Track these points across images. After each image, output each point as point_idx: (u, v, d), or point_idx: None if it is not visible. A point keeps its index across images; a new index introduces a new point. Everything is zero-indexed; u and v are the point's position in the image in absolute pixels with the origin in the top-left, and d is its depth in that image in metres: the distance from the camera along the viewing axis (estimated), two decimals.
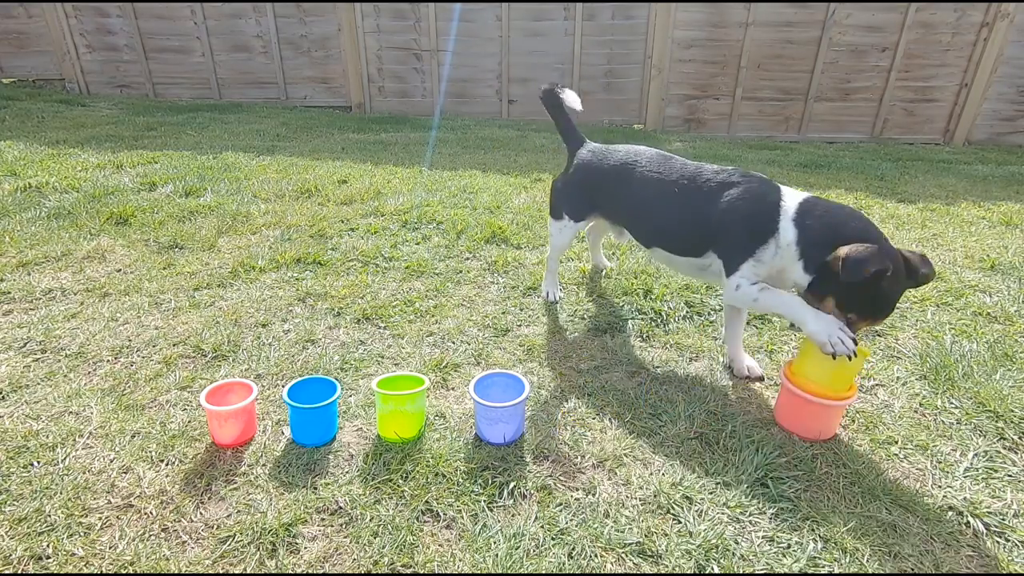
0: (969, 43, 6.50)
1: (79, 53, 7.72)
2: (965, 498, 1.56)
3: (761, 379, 2.08)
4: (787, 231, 1.78)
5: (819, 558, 1.38)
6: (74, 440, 1.69)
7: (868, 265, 1.56)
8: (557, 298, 2.61)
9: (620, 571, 1.35)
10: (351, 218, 3.47)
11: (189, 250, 2.99)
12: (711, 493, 1.56)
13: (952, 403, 1.94)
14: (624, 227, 2.36)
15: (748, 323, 2.42)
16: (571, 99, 2.45)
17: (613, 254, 3.10)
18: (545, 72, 7.10)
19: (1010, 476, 1.65)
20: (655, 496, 1.55)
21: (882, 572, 1.36)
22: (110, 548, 1.37)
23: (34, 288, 2.54)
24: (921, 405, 1.94)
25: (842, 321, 1.68)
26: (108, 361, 2.08)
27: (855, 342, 1.64)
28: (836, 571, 1.36)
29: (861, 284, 1.59)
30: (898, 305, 2.55)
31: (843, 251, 1.62)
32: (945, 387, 2.01)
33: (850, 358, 1.62)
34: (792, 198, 1.84)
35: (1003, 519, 1.50)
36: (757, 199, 1.86)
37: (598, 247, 2.90)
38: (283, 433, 1.75)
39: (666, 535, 1.43)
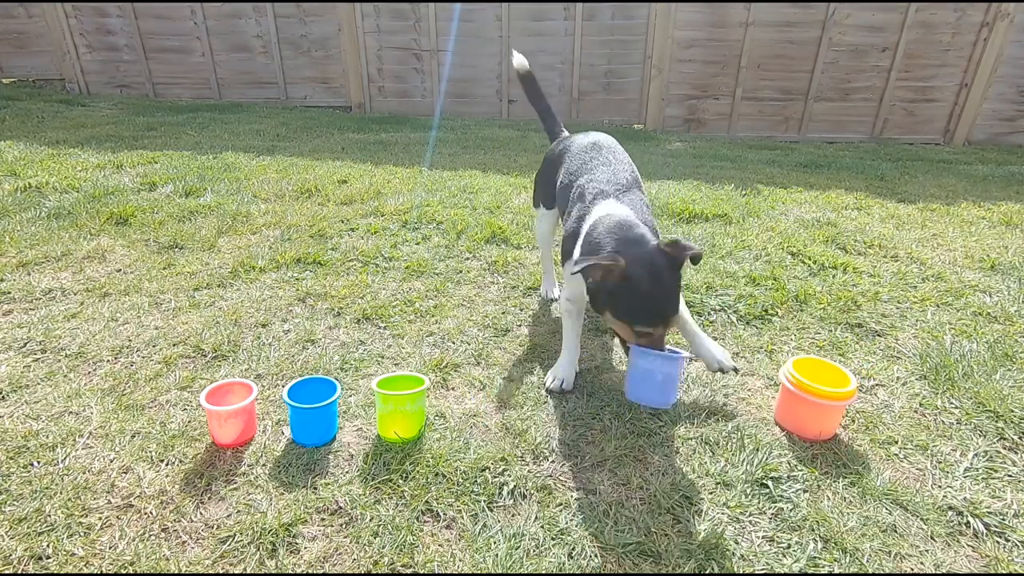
0: (969, 43, 6.50)
1: (79, 53, 7.71)
2: (965, 498, 1.56)
3: (736, 371, 1.99)
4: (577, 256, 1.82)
5: (819, 558, 1.38)
6: (74, 440, 1.69)
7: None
8: (556, 295, 2.59)
9: (620, 571, 1.36)
10: (351, 218, 3.47)
11: (189, 250, 2.99)
12: (711, 493, 1.56)
13: (952, 403, 1.94)
14: None
15: (748, 322, 2.43)
16: (519, 59, 2.65)
17: None
18: (545, 72, 7.10)
19: (1010, 476, 1.65)
20: (655, 496, 1.55)
21: (882, 572, 1.36)
22: (110, 548, 1.37)
23: (34, 288, 2.54)
24: (921, 405, 1.94)
25: (632, 334, 1.68)
26: (108, 361, 2.08)
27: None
28: (836, 571, 1.36)
29: (605, 289, 1.65)
30: (899, 305, 2.56)
31: None
32: (945, 387, 2.01)
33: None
34: (591, 219, 1.82)
35: (1003, 519, 1.50)
36: (574, 222, 1.89)
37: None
38: (283, 433, 1.75)
39: (666, 535, 1.43)
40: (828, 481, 1.61)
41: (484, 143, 5.87)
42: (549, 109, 2.67)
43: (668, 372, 1.68)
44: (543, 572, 1.34)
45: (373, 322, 2.39)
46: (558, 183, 2.21)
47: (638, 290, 1.61)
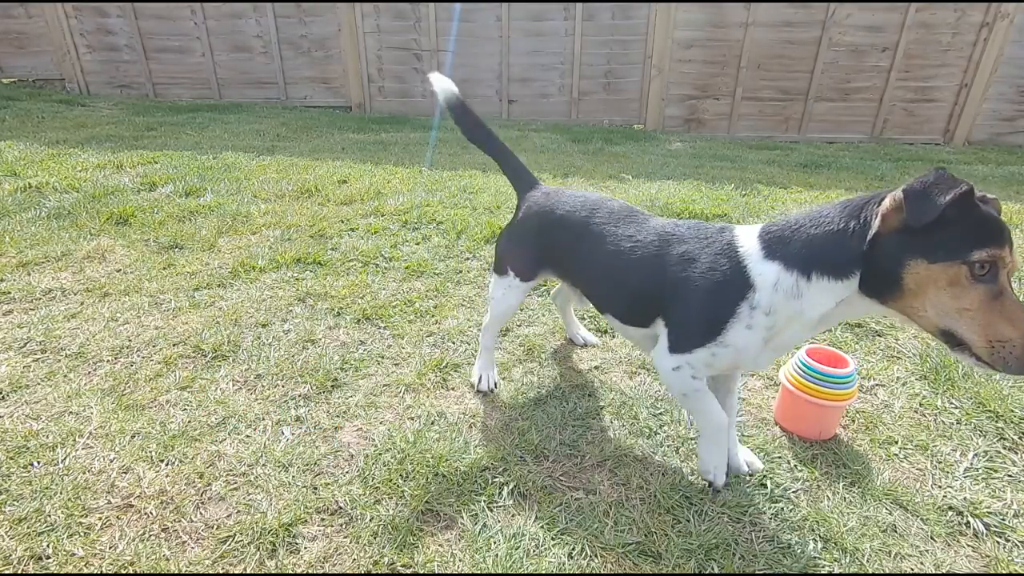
0: (969, 43, 6.50)
1: (79, 53, 7.71)
2: (965, 498, 1.56)
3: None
4: (767, 275, 1.34)
5: (819, 558, 1.38)
6: (74, 440, 1.69)
7: (951, 194, 1.13)
8: (493, 386, 1.99)
9: (620, 571, 1.36)
10: (351, 218, 3.47)
11: (189, 250, 2.99)
12: (711, 493, 1.56)
13: (952, 403, 1.94)
14: (579, 289, 1.86)
15: None
16: (442, 83, 1.92)
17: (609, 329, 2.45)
18: (545, 72, 7.10)
19: (1010, 476, 1.65)
20: (655, 496, 1.55)
21: (882, 572, 1.36)
22: (110, 548, 1.37)
23: (34, 288, 2.54)
24: (921, 405, 1.94)
25: (971, 276, 1.14)
26: (108, 361, 2.08)
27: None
28: (836, 571, 1.36)
29: (945, 222, 1.15)
30: None
31: (894, 196, 1.17)
32: (945, 387, 2.01)
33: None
34: (744, 236, 1.42)
35: (1003, 519, 1.50)
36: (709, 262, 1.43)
37: (570, 314, 2.30)
38: (283, 433, 1.75)
39: (666, 535, 1.43)
40: (828, 481, 1.61)
41: None
42: (515, 156, 2.03)
43: None
44: (543, 572, 1.34)
45: (373, 322, 2.39)
46: (592, 253, 1.68)
47: (981, 208, 1.18)
